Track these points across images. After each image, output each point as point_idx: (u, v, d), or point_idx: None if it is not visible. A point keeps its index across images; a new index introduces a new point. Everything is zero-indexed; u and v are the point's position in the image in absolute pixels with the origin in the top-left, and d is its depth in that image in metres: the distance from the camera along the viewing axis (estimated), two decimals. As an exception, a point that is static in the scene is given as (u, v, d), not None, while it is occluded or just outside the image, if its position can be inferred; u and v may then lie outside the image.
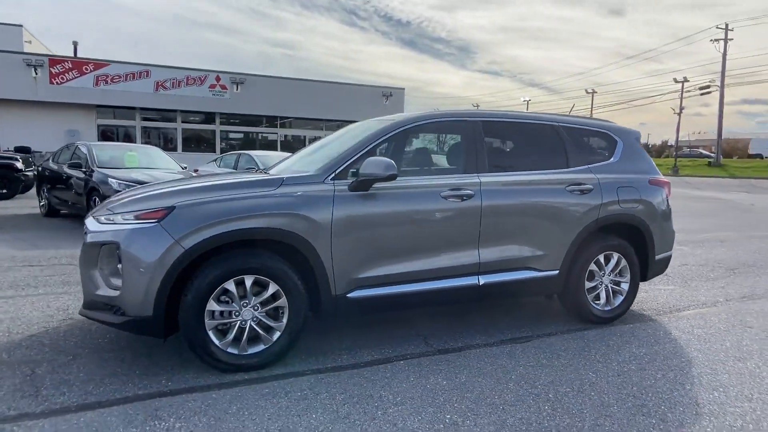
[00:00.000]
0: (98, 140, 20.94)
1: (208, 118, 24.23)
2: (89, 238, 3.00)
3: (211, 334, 2.94)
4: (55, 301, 4.38)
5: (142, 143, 21.37)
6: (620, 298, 4.16)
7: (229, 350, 2.99)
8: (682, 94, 40.41)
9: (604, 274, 4.09)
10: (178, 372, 3.03)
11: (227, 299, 2.98)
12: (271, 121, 25.55)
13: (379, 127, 3.52)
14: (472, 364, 3.27)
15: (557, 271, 3.86)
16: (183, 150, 23.19)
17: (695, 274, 5.99)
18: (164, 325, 2.88)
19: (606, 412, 2.71)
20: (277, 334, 3.09)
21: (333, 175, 3.25)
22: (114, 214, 2.98)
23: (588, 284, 4.00)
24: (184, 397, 2.73)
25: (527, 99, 69.33)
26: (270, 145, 25.38)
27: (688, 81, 40.42)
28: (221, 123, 24.56)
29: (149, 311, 2.83)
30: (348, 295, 3.24)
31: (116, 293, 2.85)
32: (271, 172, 4.19)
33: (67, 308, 4.19)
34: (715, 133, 43.98)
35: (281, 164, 4.48)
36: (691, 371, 3.26)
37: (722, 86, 38.93)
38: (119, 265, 2.87)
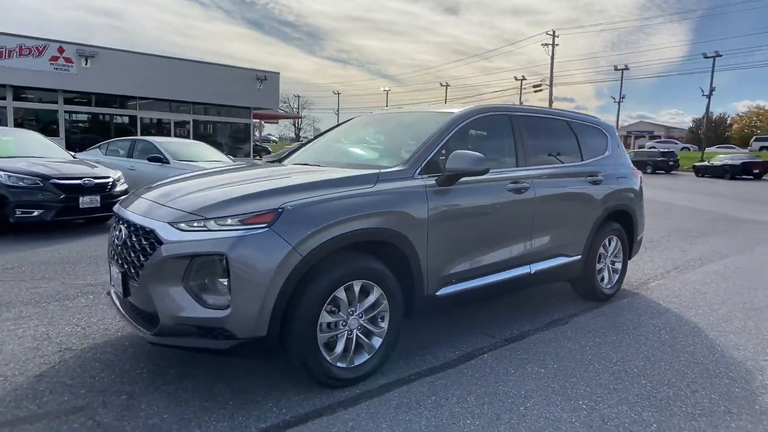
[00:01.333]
0: None
1: (49, 96, 20.60)
2: (171, 250, 2.43)
3: (322, 349, 2.63)
4: (19, 329, 3.46)
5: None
6: (616, 277, 4.68)
7: (338, 364, 2.72)
8: (521, 91, 45.64)
9: (607, 255, 4.56)
10: (279, 396, 2.66)
11: (334, 309, 2.70)
12: (128, 101, 22.68)
13: (446, 119, 3.42)
14: (548, 350, 3.43)
15: (580, 256, 4.21)
16: (17, 133, 19.38)
17: (622, 250, 6.93)
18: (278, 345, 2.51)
19: (689, 379, 3.07)
20: (378, 341, 2.89)
21: (419, 169, 3.10)
22: (205, 219, 2.46)
23: (598, 266, 4.43)
24: (318, 423, 2.42)
25: (387, 89, 71.51)
26: (126, 130, 22.49)
27: (526, 79, 45.73)
28: (66, 102, 21.06)
29: (263, 330, 2.43)
30: (437, 294, 3.15)
31: (223, 313, 2.38)
32: (290, 162, 3.83)
33: (49, 336, 3.36)
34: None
35: (296, 155, 4.10)
36: (708, 335, 3.83)
37: (551, 85, 44.87)
38: (222, 280, 2.40)
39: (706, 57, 37.40)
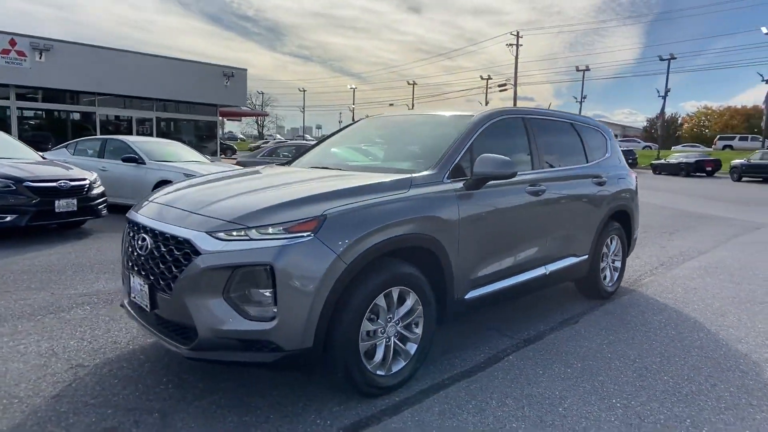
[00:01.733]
0: None
1: (0, 91, 19.46)
2: (210, 261, 2.31)
3: (363, 358, 2.58)
4: (19, 345, 3.26)
5: None
6: (616, 275, 4.81)
7: (378, 372, 2.68)
8: (486, 90, 46.38)
9: (608, 254, 4.68)
10: (319, 407, 2.60)
11: (373, 316, 2.65)
12: (87, 98, 21.68)
13: (467, 123, 3.41)
14: (568, 349, 3.48)
15: (587, 256, 4.29)
16: (-35, 131, 18.20)
17: (607, 248, 7.13)
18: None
19: (705, 373, 3.19)
20: (413, 347, 2.86)
21: (448, 173, 3.08)
22: (246, 228, 2.35)
23: (601, 265, 4.54)
24: (367, 434, 2.37)
25: (354, 87, 71.14)
26: (83, 127, 21.49)
27: (492, 79, 46.56)
28: (18, 98, 19.95)
29: (309, 342, 2.36)
30: (465, 297, 3.15)
31: (268, 325, 2.29)
32: (305, 166, 3.75)
33: (55, 352, 3.16)
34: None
35: (307, 157, 4.02)
36: (710, 330, 3.98)
37: (516, 84, 45.82)
38: (265, 291, 2.31)
39: (662, 59, 39.07)
